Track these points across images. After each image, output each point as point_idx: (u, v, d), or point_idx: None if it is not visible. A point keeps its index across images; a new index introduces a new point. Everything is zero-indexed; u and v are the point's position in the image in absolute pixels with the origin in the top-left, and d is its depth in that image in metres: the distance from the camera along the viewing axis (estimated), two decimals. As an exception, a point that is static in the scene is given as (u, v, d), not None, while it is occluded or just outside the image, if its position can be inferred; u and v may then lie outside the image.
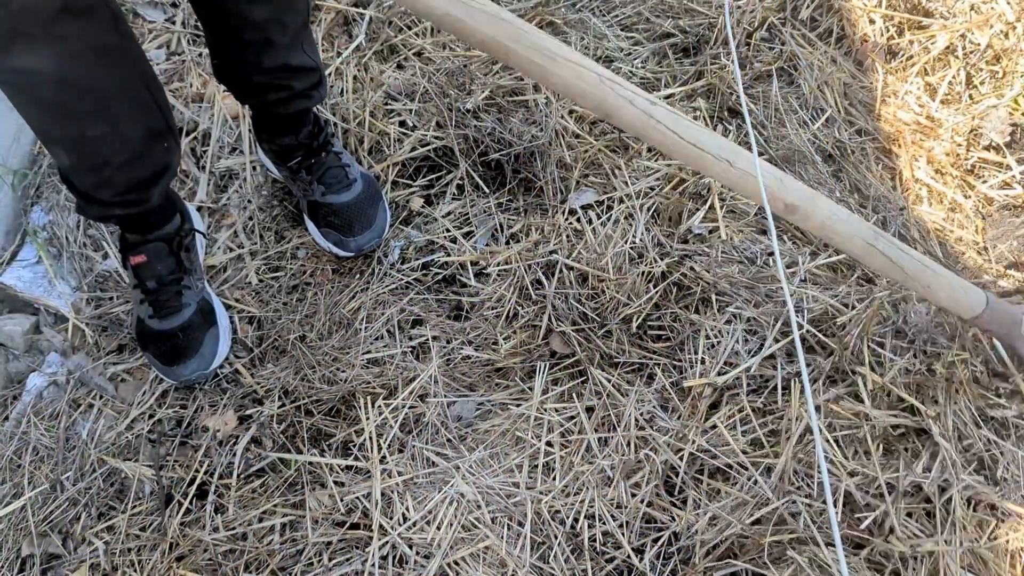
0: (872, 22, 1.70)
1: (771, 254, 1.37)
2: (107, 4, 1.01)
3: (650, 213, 1.42)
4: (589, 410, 1.25)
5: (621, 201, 1.44)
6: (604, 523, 1.16)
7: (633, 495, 1.17)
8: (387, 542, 1.15)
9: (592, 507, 1.17)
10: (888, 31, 1.70)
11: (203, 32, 1.27)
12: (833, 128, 1.57)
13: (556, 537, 1.15)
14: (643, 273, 1.32)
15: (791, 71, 1.64)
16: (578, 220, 1.42)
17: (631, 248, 1.36)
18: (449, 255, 1.44)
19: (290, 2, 1.19)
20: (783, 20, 1.71)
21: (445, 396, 1.28)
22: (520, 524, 1.16)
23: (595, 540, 1.15)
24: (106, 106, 1.07)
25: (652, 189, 1.46)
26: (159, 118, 1.15)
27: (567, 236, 1.39)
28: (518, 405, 1.26)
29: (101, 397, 1.32)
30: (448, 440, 1.24)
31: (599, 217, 1.43)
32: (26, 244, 1.47)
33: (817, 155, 1.51)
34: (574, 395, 1.27)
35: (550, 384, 1.28)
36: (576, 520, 1.16)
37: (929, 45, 1.67)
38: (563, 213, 1.43)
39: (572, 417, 1.25)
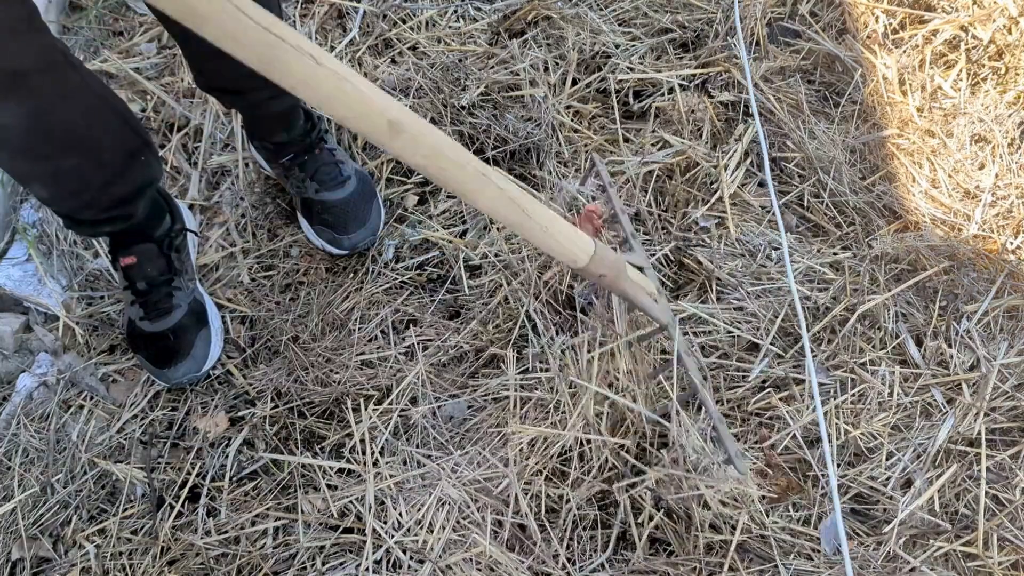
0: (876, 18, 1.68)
1: (777, 248, 1.36)
2: (56, 47, 1.02)
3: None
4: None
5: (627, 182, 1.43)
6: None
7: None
8: (381, 546, 1.14)
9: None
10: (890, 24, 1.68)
11: (179, 48, 1.25)
12: (848, 124, 1.55)
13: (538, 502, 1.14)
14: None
15: (797, 67, 1.62)
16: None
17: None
18: (444, 254, 1.42)
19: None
20: (782, 16, 1.69)
21: (437, 398, 1.27)
22: (518, 513, 1.15)
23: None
24: (77, 140, 1.08)
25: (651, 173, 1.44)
26: (132, 137, 1.15)
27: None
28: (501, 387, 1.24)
29: (92, 398, 1.31)
30: (440, 443, 1.23)
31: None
32: (16, 242, 1.46)
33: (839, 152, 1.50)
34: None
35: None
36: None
37: (932, 37, 1.65)
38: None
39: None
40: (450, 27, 1.67)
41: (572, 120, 1.52)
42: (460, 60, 1.58)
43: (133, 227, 1.24)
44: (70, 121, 1.06)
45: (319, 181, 1.40)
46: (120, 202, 1.17)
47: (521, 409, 1.23)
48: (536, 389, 1.25)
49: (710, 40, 1.61)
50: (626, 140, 1.51)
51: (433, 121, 1.52)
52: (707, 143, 1.49)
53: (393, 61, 1.63)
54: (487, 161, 1.48)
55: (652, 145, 1.47)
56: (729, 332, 1.28)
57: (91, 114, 1.09)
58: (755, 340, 1.28)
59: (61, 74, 1.02)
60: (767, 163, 1.46)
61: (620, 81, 1.57)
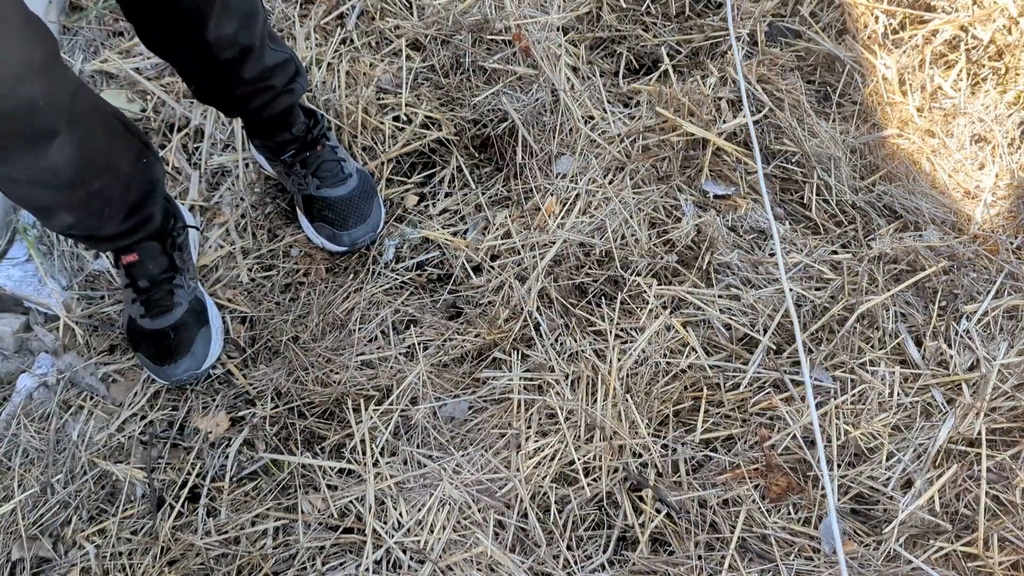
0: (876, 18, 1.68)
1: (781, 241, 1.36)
2: (72, 70, 1.04)
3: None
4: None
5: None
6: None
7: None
8: (381, 546, 1.14)
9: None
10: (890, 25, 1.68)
11: (178, 73, 1.26)
12: (848, 124, 1.56)
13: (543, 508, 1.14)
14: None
15: (797, 68, 1.62)
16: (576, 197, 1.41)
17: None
18: (444, 253, 1.42)
19: (248, 3, 1.17)
20: (783, 15, 1.69)
21: (438, 398, 1.27)
22: (518, 514, 1.15)
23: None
24: (105, 159, 1.09)
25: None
26: (134, 140, 1.16)
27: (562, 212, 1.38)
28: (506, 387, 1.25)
29: (92, 398, 1.31)
30: (441, 443, 1.23)
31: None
32: (16, 242, 1.46)
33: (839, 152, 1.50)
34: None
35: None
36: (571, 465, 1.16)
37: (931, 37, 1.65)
38: (555, 196, 1.42)
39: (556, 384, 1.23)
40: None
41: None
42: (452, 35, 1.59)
43: (152, 234, 1.24)
44: (100, 142, 1.07)
45: (320, 177, 1.40)
46: (133, 209, 1.18)
47: (526, 413, 1.23)
48: (542, 392, 1.25)
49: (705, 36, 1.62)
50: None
51: (431, 112, 1.53)
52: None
53: (390, 58, 1.63)
54: (485, 146, 1.52)
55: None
56: (727, 325, 1.28)
57: (106, 129, 1.10)
58: (752, 335, 1.28)
59: (83, 97, 1.03)
60: (758, 155, 1.46)
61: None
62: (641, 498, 1.16)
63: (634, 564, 1.11)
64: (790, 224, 1.43)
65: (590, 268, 1.35)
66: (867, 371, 1.25)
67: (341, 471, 1.22)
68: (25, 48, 0.86)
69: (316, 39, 1.65)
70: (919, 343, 1.29)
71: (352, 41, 1.66)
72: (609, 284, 1.35)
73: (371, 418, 1.24)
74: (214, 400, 1.30)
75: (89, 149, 1.04)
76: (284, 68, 1.27)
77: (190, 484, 1.23)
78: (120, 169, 1.12)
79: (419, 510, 1.16)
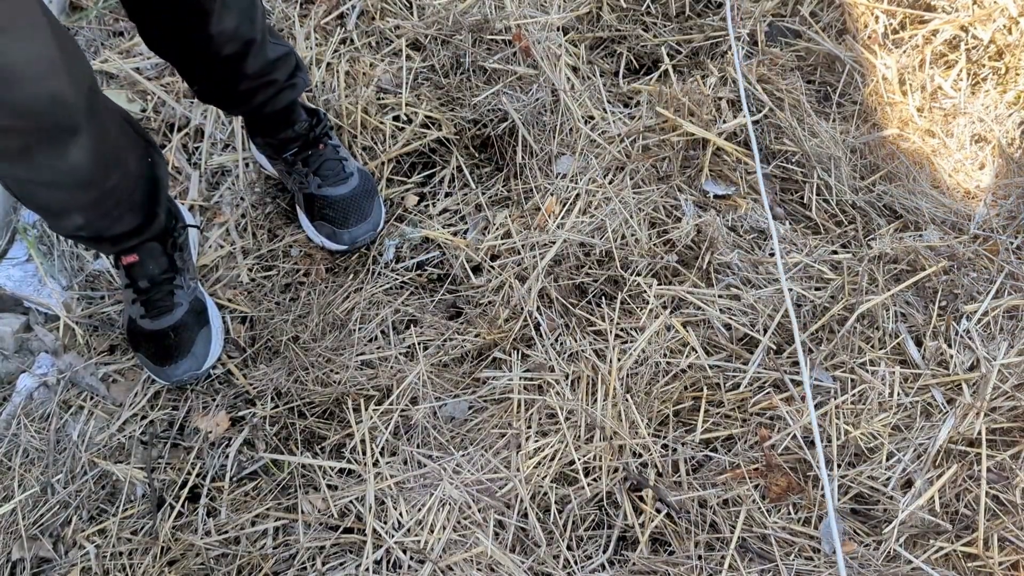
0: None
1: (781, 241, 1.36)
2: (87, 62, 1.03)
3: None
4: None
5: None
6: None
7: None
8: (381, 546, 1.14)
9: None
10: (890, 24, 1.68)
11: (179, 74, 1.26)
12: (848, 124, 1.56)
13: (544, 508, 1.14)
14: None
15: (797, 68, 1.62)
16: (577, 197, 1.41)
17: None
18: (444, 253, 1.42)
19: None
20: (783, 15, 1.69)
21: (438, 398, 1.27)
22: (519, 513, 1.15)
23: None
24: (116, 157, 1.09)
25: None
26: (139, 140, 1.16)
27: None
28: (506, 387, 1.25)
29: (92, 398, 1.31)
30: (441, 443, 1.23)
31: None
32: (16, 242, 1.46)
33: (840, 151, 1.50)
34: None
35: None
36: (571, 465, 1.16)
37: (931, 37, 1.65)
38: (555, 196, 1.42)
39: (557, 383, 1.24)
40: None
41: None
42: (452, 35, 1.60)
43: (156, 235, 1.24)
44: (113, 137, 1.07)
45: (322, 176, 1.40)
46: (140, 209, 1.18)
47: (526, 413, 1.23)
48: (542, 392, 1.25)
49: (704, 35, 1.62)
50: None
51: (431, 112, 1.53)
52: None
53: (391, 58, 1.63)
54: (485, 147, 1.52)
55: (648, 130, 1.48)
56: (727, 325, 1.28)
57: (117, 124, 1.10)
58: (752, 335, 1.28)
59: (97, 92, 1.03)
60: (756, 155, 1.46)
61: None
62: (641, 498, 1.16)
63: (634, 564, 1.11)
64: (790, 224, 1.43)
65: (590, 268, 1.35)
66: (867, 371, 1.25)
67: (341, 471, 1.22)
68: (49, 43, 0.87)
69: (316, 39, 1.65)
70: (919, 343, 1.29)
71: (352, 41, 1.66)
72: (609, 284, 1.35)
73: (371, 418, 1.24)
74: (214, 400, 1.30)
75: (104, 146, 1.04)
76: (285, 62, 1.28)
77: (190, 484, 1.23)
78: (129, 167, 1.12)
79: (419, 510, 1.16)
